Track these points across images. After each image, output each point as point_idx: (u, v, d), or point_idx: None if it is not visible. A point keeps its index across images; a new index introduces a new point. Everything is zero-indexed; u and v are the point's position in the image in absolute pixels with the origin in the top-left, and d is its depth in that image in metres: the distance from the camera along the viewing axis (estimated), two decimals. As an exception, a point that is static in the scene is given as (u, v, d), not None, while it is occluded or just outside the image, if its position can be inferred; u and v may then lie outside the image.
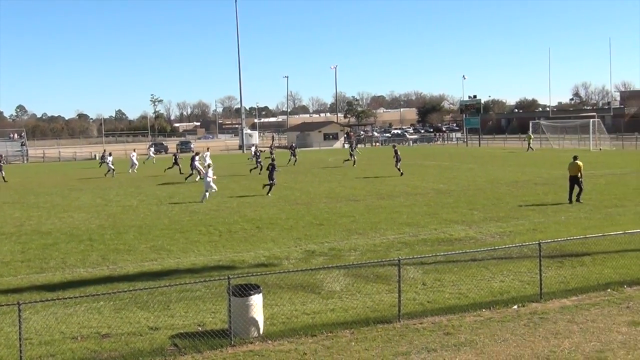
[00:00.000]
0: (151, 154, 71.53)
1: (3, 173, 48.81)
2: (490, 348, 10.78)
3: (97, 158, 59.14)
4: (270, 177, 32.78)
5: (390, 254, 17.88)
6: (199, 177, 42.34)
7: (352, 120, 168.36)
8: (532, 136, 71.50)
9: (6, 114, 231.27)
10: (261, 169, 46.38)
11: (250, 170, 47.86)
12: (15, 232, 23.72)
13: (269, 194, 32.48)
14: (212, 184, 31.64)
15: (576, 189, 26.95)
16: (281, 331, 11.81)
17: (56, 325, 12.45)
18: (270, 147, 63.55)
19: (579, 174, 26.91)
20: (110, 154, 52.67)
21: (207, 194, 31.41)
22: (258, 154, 49.81)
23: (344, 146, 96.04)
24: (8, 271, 17.35)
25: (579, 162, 27.13)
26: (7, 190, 40.67)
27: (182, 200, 31.90)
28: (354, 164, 52.23)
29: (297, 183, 38.92)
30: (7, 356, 10.95)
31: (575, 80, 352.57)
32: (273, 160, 34.23)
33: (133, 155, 56.11)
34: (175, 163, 50.32)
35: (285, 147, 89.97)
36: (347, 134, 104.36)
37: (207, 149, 51.90)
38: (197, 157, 44.78)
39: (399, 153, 43.37)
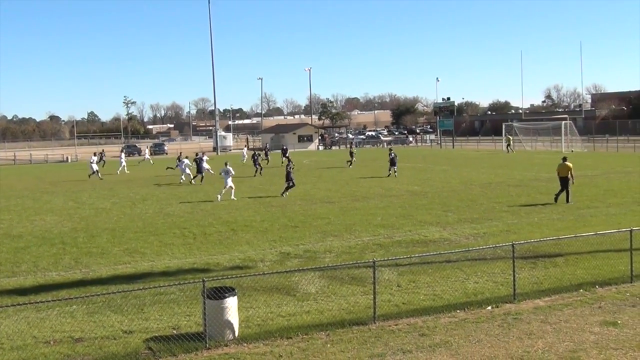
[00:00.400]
0: (147, 155, 71.32)
1: None
2: (465, 349, 10.85)
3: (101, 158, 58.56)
4: (288, 178, 33.09)
5: (365, 256, 17.91)
6: (182, 179, 42.48)
7: (327, 122, 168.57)
8: (511, 138, 72.52)
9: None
10: (261, 171, 47.39)
11: (256, 172, 47.78)
12: (-15, 235, 23.38)
13: (285, 194, 32.71)
14: (229, 182, 32.18)
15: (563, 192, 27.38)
16: (256, 334, 11.78)
17: (28, 329, 12.29)
18: (265, 149, 63.29)
19: (570, 175, 27.31)
20: (95, 154, 51.75)
21: (232, 190, 32.12)
22: (256, 157, 49.87)
23: (318, 148, 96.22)
24: (-22, 275, 17.09)
25: (569, 163, 27.64)
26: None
27: (155, 203, 31.68)
28: (351, 164, 53.34)
29: (272, 185, 38.85)
30: (-22, 362, 10.80)
31: (547, 83, 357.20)
32: (290, 161, 34.74)
33: (122, 157, 56.04)
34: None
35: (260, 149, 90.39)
36: (322, 136, 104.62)
37: (203, 153, 51.85)
38: (205, 158, 45.22)
39: (392, 156, 43.65)
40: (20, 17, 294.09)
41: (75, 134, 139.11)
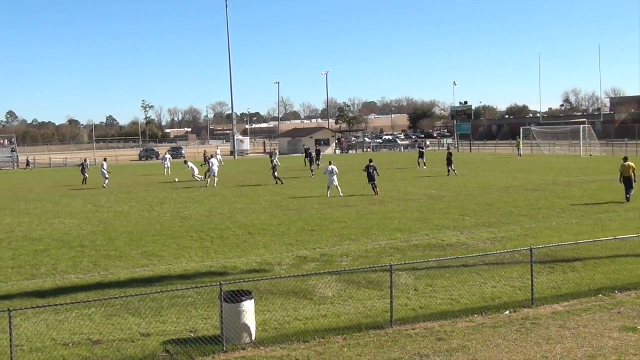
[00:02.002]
0: (219, 157, 69.40)
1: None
2: (483, 354, 10.79)
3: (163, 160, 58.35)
4: (371, 179, 34.39)
5: (382, 260, 17.89)
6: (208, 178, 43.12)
7: (344, 126, 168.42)
8: (521, 142, 71.87)
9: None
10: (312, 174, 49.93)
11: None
12: (5, 238, 23.60)
13: (377, 193, 33.87)
14: (335, 180, 34.08)
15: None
16: (273, 337, 11.80)
17: (47, 332, 12.39)
18: (317, 152, 62.67)
19: (633, 174, 28.19)
20: (105, 160, 49.83)
21: (338, 189, 34.02)
22: (318, 157, 53.62)
23: (335, 152, 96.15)
24: (-2, 278, 17.27)
25: (631, 163, 28.51)
26: (-2, 197, 40.51)
27: (173, 206, 31.83)
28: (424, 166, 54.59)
29: (288, 189, 38.90)
30: (-2, 363, 10.90)
31: (566, 87, 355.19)
32: (371, 161, 35.36)
33: (166, 160, 57.02)
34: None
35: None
36: (339, 140, 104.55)
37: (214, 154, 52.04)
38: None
39: (449, 156, 46.43)
40: (40, 23, 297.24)
41: (94, 138, 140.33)
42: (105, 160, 48.89)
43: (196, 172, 47.85)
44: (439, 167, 51.59)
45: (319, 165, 57.18)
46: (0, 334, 12.14)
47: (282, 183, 41.76)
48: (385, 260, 17.78)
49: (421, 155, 56.34)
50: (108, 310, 13.74)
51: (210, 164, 43.67)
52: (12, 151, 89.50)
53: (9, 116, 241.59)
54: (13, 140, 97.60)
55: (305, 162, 60.76)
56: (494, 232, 21.88)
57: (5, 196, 40.71)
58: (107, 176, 45.66)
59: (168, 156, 58.82)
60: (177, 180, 48.26)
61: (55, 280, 16.85)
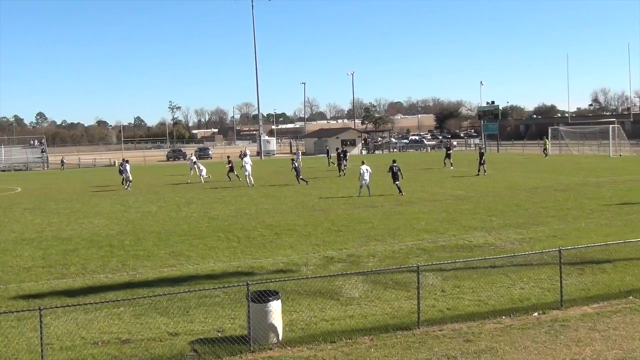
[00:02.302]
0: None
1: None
2: (511, 356, 10.71)
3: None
4: (396, 178, 34.64)
5: (409, 261, 17.83)
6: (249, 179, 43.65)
7: (370, 126, 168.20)
8: (548, 142, 71.16)
9: (26, 121, 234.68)
10: (340, 173, 50.85)
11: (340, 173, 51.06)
12: (36, 238, 23.92)
13: (402, 193, 33.80)
14: (366, 178, 34.35)
15: None
16: (300, 337, 11.82)
17: (77, 330, 12.54)
18: (344, 151, 62.01)
19: None
20: (127, 161, 48.10)
21: (368, 190, 34.40)
22: (345, 157, 53.16)
23: (361, 152, 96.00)
24: (29, 277, 17.50)
25: None
26: (28, 197, 41.09)
27: (200, 206, 32.01)
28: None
29: (315, 189, 38.94)
30: (29, 361, 11.05)
31: (594, 86, 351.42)
32: (394, 162, 35.49)
33: (192, 159, 55.25)
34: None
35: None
36: (365, 140, 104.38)
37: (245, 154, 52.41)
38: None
39: (484, 157, 46.47)
40: (69, 24, 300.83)
41: (122, 139, 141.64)
42: (127, 161, 47.60)
43: (204, 172, 48.09)
44: (465, 167, 51.37)
45: (345, 165, 56.82)
46: (31, 332, 12.32)
47: (307, 184, 41.83)
48: (412, 261, 17.72)
49: (448, 155, 55.88)
50: (136, 309, 13.86)
51: (243, 162, 44.22)
52: (42, 152, 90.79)
53: (38, 117, 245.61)
54: (43, 141, 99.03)
55: (329, 163, 60.66)
56: (522, 233, 21.69)
57: (36, 196, 41.29)
58: (131, 178, 45.31)
59: (194, 158, 58.48)
60: (189, 181, 48.69)
61: (85, 280, 17.04)
